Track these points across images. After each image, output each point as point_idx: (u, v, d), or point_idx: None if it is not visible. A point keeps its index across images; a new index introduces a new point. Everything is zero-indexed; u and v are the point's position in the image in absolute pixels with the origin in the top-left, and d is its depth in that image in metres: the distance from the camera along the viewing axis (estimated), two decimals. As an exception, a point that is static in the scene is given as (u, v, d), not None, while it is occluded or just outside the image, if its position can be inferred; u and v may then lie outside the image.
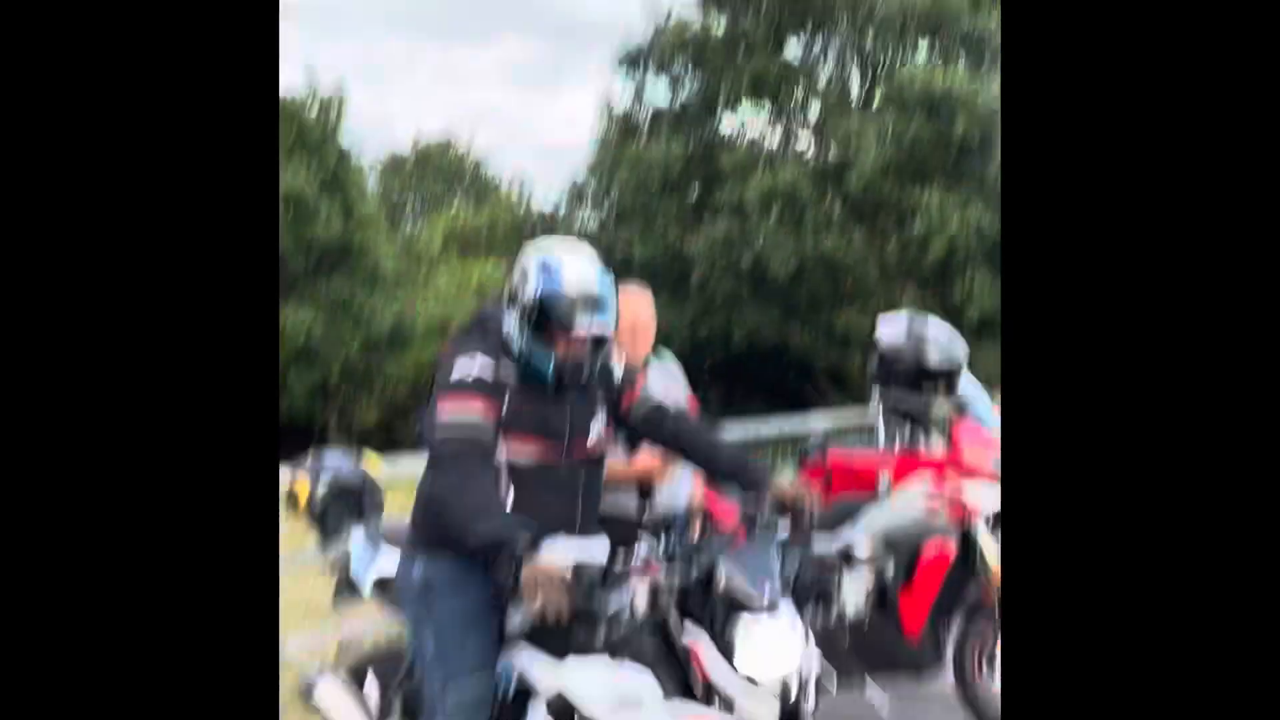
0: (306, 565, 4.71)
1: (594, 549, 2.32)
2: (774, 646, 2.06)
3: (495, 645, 2.41)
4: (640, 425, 2.57)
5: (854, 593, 3.74)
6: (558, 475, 2.39)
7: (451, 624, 2.34)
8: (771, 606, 2.09)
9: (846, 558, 3.72)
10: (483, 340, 2.36)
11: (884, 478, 3.95)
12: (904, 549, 3.65)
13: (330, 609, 4.45)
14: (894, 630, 3.60)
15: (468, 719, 2.34)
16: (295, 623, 5.78)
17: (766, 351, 17.23)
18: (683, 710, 2.06)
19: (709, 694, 2.09)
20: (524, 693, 2.37)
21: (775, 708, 2.06)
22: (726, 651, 2.05)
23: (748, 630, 2.05)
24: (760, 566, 2.12)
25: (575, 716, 2.22)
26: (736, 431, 7.82)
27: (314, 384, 18.91)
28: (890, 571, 3.65)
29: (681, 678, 2.11)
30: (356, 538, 3.07)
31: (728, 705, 2.09)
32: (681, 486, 3.88)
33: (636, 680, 2.10)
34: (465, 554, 2.25)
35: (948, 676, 3.74)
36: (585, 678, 2.18)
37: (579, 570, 2.01)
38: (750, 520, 2.31)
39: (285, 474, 4.31)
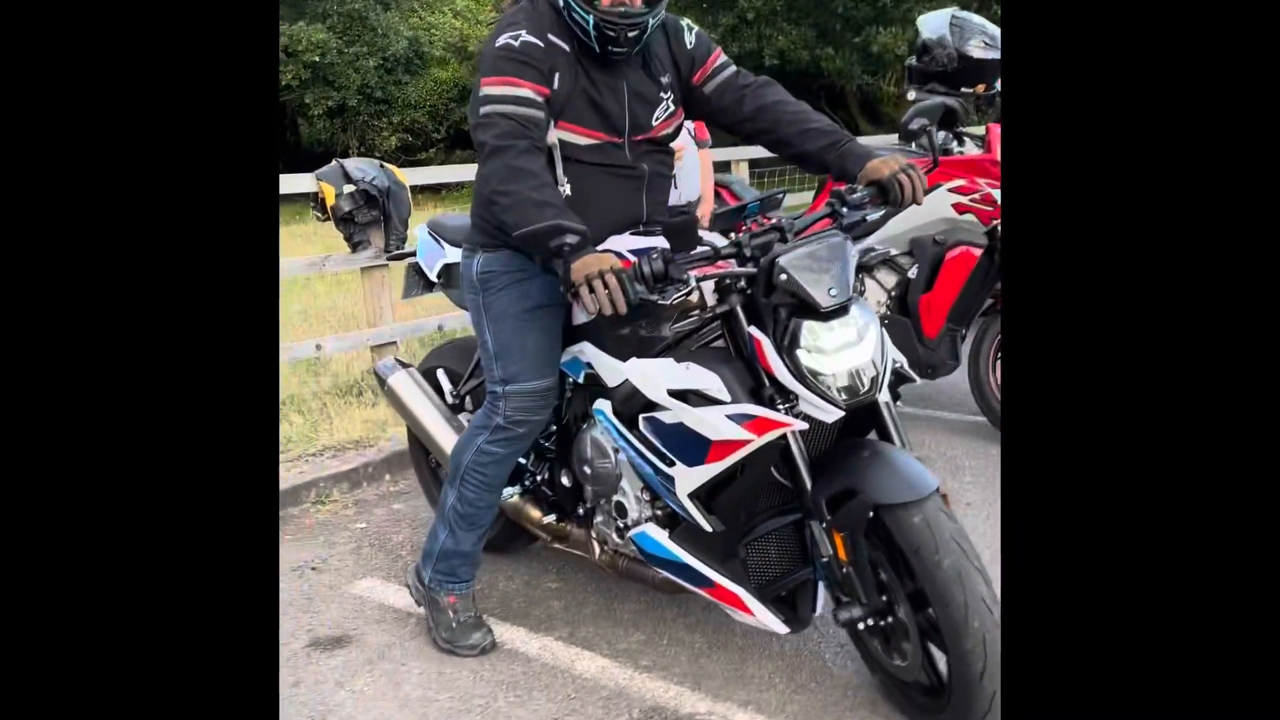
0: (336, 271, 4.81)
1: (656, 242, 2.12)
2: (838, 350, 1.93)
3: (556, 341, 2.34)
4: (715, 100, 2.26)
5: (875, 293, 3.80)
6: (619, 162, 2.18)
7: (510, 318, 2.27)
8: (841, 311, 1.95)
9: (867, 264, 3.74)
10: (530, 16, 2.10)
11: None
12: (929, 253, 3.66)
13: (394, 305, 4.62)
14: (912, 332, 3.67)
15: (529, 413, 2.32)
16: (331, 328, 6.06)
17: (799, 72, 16.52)
18: (751, 410, 1.95)
19: (782, 391, 1.97)
20: (593, 386, 2.33)
21: (838, 409, 1.95)
22: (789, 353, 1.93)
23: (811, 335, 1.92)
24: (828, 266, 1.94)
25: (640, 413, 2.14)
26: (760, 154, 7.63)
27: (332, 106, 18.54)
28: (914, 274, 3.68)
29: (749, 382, 2.01)
30: (421, 233, 3.00)
31: (794, 400, 1.97)
32: (690, 171, 3.74)
33: (704, 377, 2.01)
34: (517, 247, 2.17)
35: (962, 372, 3.85)
36: (652, 371, 2.10)
37: (640, 260, 1.89)
38: (838, 207, 2.08)
39: (309, 181, 4.32)
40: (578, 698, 2.29)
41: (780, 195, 2.96)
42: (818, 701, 2.20)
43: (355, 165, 4.27)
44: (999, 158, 3.63)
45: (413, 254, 3.08)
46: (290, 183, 4.15)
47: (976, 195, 3.62)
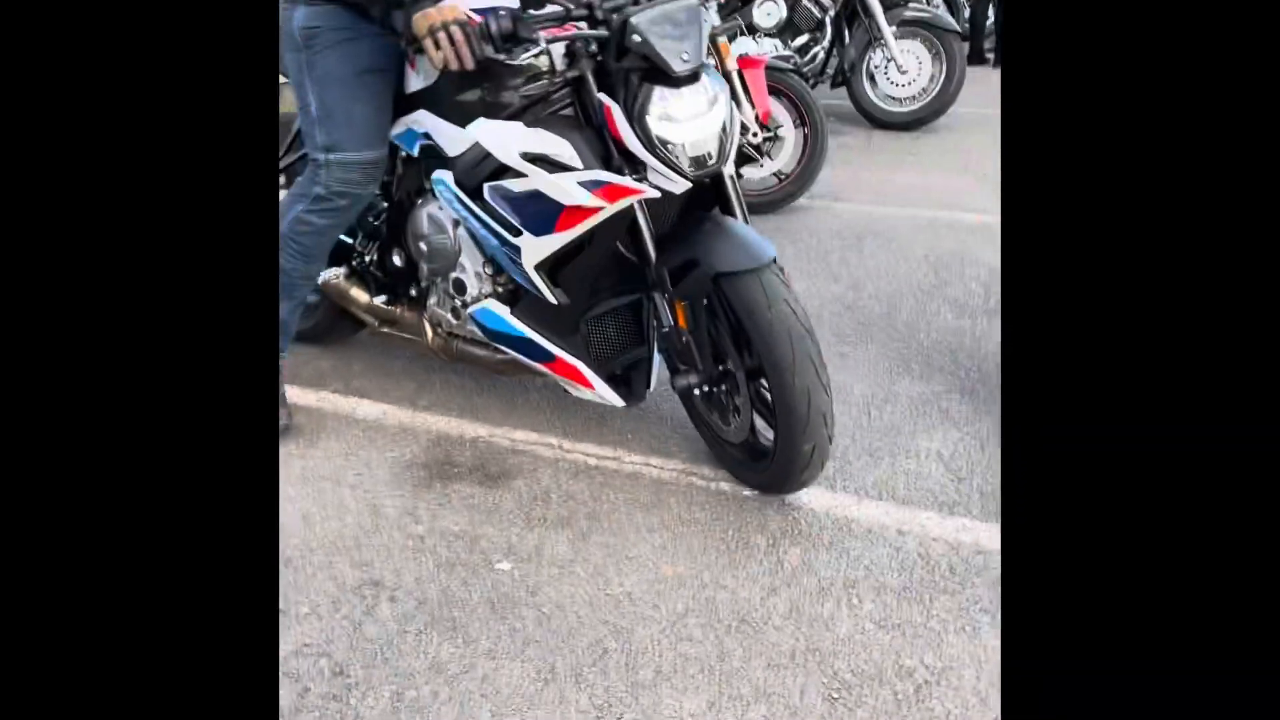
0: None
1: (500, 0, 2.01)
2: (689, 119, 1.90)
3: (387, 110, 2.21)
4: None
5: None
6: None
7: (336, 82, 2.12)
8: (692, 78, 1.90)
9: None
10: None
11: None
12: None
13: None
14: None
15: (354, 185, 2.20)
16: None
17: None
18: (603, 177, 1.91)
19: (630, 161, 1.94)
20: (429, 158, 2.22)
21: (686, 180, 1.94)
22: (639, 121, 1.88)
23: (662, 102, 1.88)
24: (683, 31, 1.88)
25: (485, 181, 2.07)
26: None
27: None
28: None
29: (601, 150, 1.96)
30: None
31: (642, 172, 1.95)
32: None
33: (555, 143, 1.96)
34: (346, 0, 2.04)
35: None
36: (503, 132, 2.02)
37: (487, 18, 1.81)
38: None
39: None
40: (365, 436, 2.48)
41: None
42: (589, 413, 2.54)
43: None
44: None
45: None
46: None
47: None
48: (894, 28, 5.46)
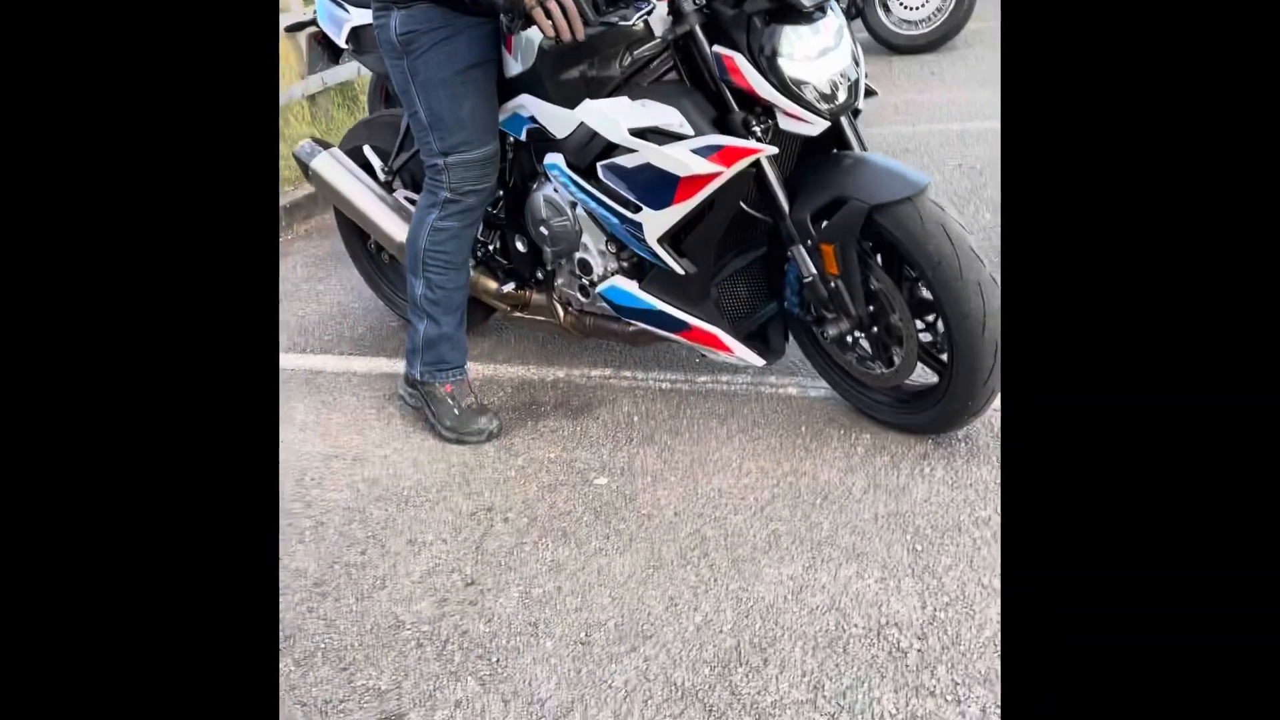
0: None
1: None
2: (821, 56, 1.85)
3: (493, 101, 2.20)
4: None
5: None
6: None
7: (441, 84, 2.11)
8: (819, 11, 1.85)
9: None
10: None
11: None
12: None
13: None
14: None
15: (476, 181, 2.21)
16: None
17: None
18: (718, 140, 1.85)
19: (755, 112, 1.91)
20: (538, 141, 2.20)
21: (824, 119, 1.89)
22: (771, 64, 1.82)
23: (794, 40, 1.82)
24: None
25: (597, 160, 2.03)
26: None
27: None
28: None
29: (710, 112, 1.91)
30: None
31: (770, 122, 1.91)
32: None
33: (663, 113, 1.90)
34: None
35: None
36: (609, 110, 1.97)
37: None
38: None
39: None
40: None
41: None
42: (658, 346, 2.66)
43: None
44: None
45: (312, 22, 2.81)
46: None
47: None
48: (901, -49, 5.52)
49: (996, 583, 1.71)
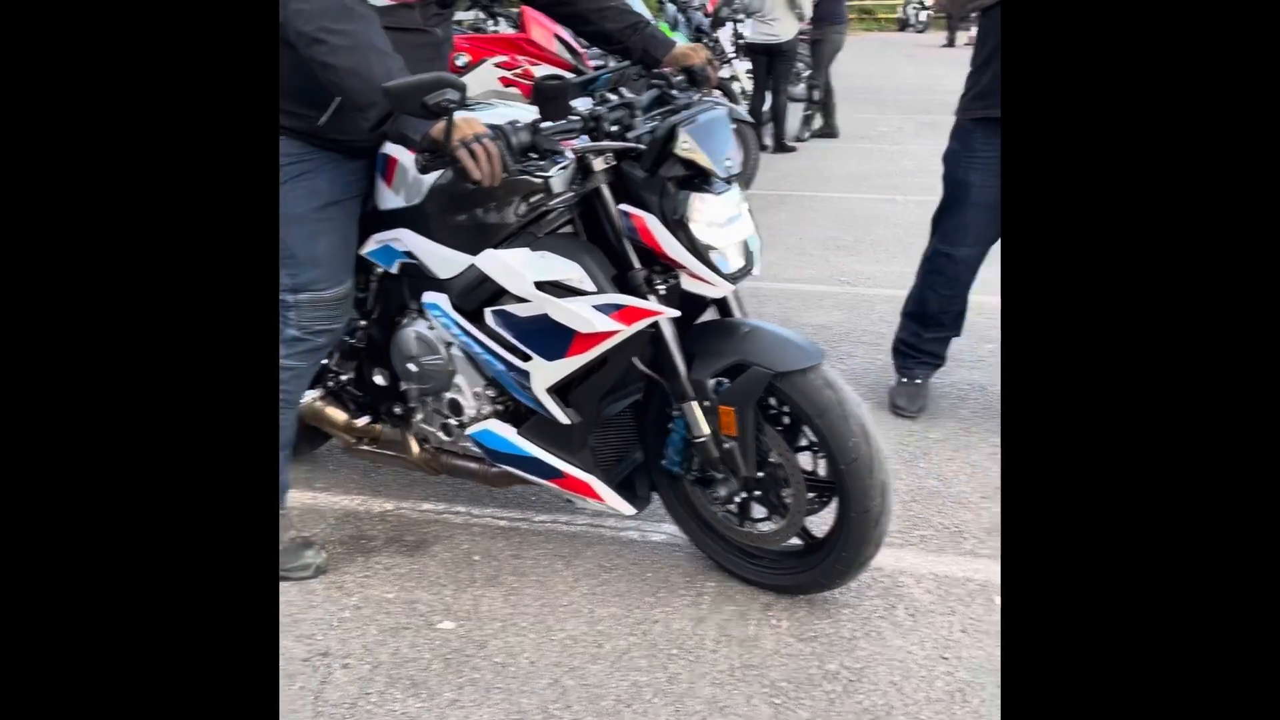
0: None
1: (518, 113, 1.99)
2: (728, 223, 1.93)
3: (352, 238, 2.14)
4: None
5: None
6: (411, 25, 1.99)
7: (295, 221, 2.02)
8: (727, 182, 1.94)
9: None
10: None
11: (462, 59, 4.36)
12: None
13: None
14: None
15: (326, 321, 2.12)
16: None
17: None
18: (619, 300, 1.87)
19: (648, 280, 1.94)
20: (412, 275, 2.15)
21: (729, 283, 1.95)
22: (682, 227, 1.88)
23: (702, 208, 1.88)
24: (724, 137, 1.92)
25: (484, 305, 2.00)
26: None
27: None
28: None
29: (610, 269, 1.92)
30: None
31: (672, 281, 1.96)
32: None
33: (564, 266, 1.91)
34: (304, 132, 1.95)
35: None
36: (513, 261, 1.95)
37: (505, 130, 1.75)
38: (665, 89, 2.09)
39: None
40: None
41: (631, 69, 2.51)
42: (504, 490, 2.63)
43: None
44: (532, 36, 4.28)
45: None
46: None
47: (518, 70, 4.23)
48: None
49: (852, 736, 1.79)
